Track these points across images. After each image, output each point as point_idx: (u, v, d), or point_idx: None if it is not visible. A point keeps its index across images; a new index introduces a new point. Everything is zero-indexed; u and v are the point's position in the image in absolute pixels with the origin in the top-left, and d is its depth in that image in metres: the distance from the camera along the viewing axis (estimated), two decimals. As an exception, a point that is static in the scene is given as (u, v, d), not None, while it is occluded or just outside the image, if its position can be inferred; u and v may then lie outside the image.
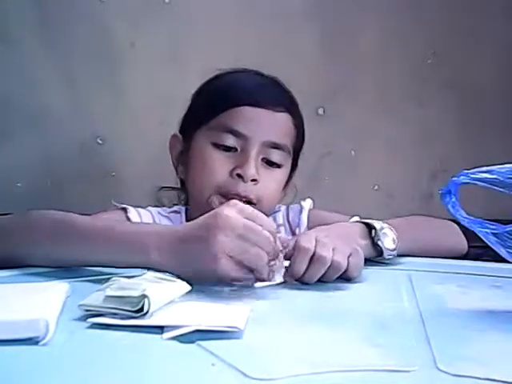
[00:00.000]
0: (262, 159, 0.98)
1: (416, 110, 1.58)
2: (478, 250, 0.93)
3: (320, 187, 1.55)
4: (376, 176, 1.59)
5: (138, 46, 1.50)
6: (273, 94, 1.01)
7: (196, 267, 0.67)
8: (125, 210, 1.00)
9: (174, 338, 0.53)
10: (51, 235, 0.76)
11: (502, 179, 0.65)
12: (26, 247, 0.77)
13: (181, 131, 1.06)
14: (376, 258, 0.86)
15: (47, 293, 0.61)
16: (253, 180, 0.96)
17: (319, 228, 0.83)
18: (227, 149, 0.97)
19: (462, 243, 0.99)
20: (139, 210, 1.02)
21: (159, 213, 1.05)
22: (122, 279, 0.61)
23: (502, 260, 0.69)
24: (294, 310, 0.66)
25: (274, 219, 1.08)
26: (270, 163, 0.99)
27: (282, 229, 1.07)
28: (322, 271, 0.73)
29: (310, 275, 0.74)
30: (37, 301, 0.58)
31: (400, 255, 0.88)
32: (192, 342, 0.53)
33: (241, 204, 0.69)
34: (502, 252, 0.65)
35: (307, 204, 1.08)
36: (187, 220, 1.03)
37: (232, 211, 0.67)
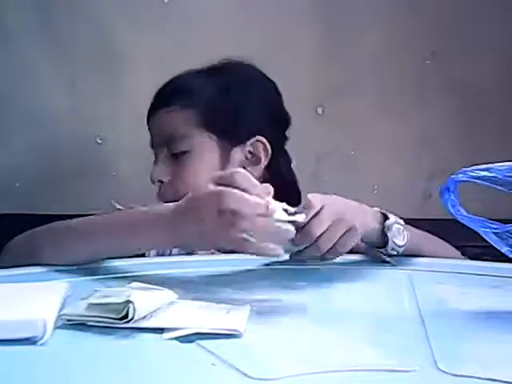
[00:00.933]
0: (172, 156, 1.03)
1: (416, 110, 1.58)
2: (478, 250, 0.93)
3: (319, 187, 1.55)
4: (376, 176, 1.59)
5: (138, 45, 1.50)
6: (162, 95, 1.08)
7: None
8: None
9: (173, 338, 0.53)
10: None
11: (500, 177, 0.65)
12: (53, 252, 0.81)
13: None
14: (378, 248, 0.86)
15: (46, 293, 0.61)
16: (161, 181, 1.03)
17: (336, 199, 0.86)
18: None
19: None
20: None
21: None
22: (106, 288, 0.61)
23: (502, 260, 0.69)
24: (294, 310, 0.65)
25: None
26: (178, 155, 1.03)
27: None
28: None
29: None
30: (35, 301, 0.58)
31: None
32: (192, 341, 0.53)
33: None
34: (505, 250, 0.65)
35: None
36: None
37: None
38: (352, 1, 1.54)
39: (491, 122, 1.58)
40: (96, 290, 0.59)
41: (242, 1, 1.53)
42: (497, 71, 1.57)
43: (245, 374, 0.46)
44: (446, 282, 0.77)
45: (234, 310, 0.60)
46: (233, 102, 1.08)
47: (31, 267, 0.77)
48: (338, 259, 0.87)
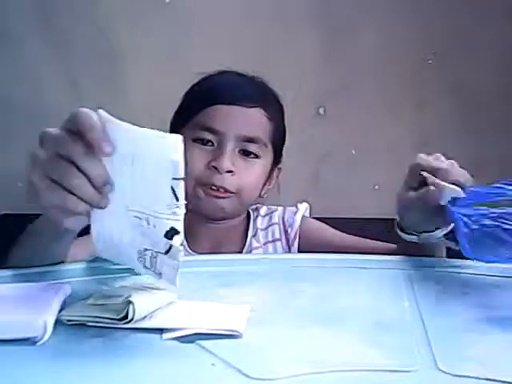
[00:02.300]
0: (239, 151, 1.03)
1: (416, 110, 1.59)
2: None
3: (320, 187, 1.55)
4: (376, 176, 1.59)
5: (139, 46, 1.50)
6: (245, 91, 1.06)
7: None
8: None
9: (173, 338, 0.53)
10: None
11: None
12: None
13: (170, 131, 1.09)
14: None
15: (46, 293, 0.61)
16: (229, 171, 1.00)
17: None
18: (204, 144, 1.02)
19: None
20: None
21: None
22: (106, 289, 0.60)
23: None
24: (294, 310, 0.65)
25: (271, 218, 1.12)
26: (247, 154, 1.03)
27: (276, 227, 1.11)
28: None
29: None
30: (35, 301, 0.58)
31: None
32: (192, 341, 0.53)
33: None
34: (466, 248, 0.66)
35: (303, 207, 1.14)
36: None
37: (56, 129, 0.59)
38: (353, 1, 1.54)
39: (491, 122, 1.58)
40: (96, 290, 0.59)
41: (242, 2, 1.53)
42: (497, 71, 1.57)
43: (245, 374, 0.46)
44: (446, 282, 0.77)
45: (233, 310, 0.60)
46: (283, 120, 1.11)
47: (31, 267, 0.77)
48: (339, 258, 0.87)
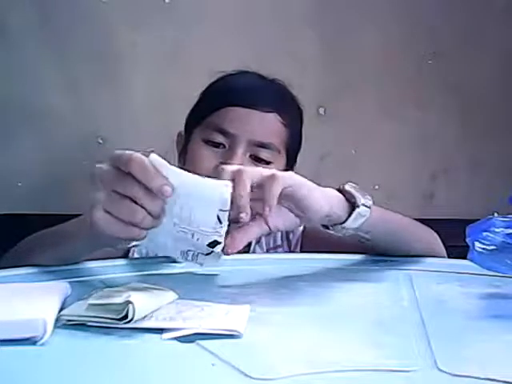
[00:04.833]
0: (250, 156, 1.00)
1: (416, 111, 1.58)
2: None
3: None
4: (376, 176, 1.59)
5: (139, 46, 1.50)
6: (261, 95, 1.04)
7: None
8: None
9: (174, 338, 0.53)
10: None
11: None
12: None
13: (185, 129, 1.09)
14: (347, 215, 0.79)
15: (46, 293, 0.61)
16: None
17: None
18: (215, 145, 1.00)
19: (440, 250, 0.97)
20: None
21: None
22: (106, 289, 0.61)
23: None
24: (294, 309, 0.65)
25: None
26: (257, 160, 1.01)
27: (278, 233, 1.09)
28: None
29: None
30: (35, 301, 0.58)
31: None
32: (192, 341, 0.53)
33: (119, 154, 0.64)
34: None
35: None
36: None
37: (105, 165, 0.64)
38: (352, 1, 1.54)
39: (491, 122, 1.58)
40: (96, 290, 0.60)
41: (243, 2, 1.52)
42: (497, 71, 1.57)
43: (245, 374, 0.46)
44: (446, 282, 0.77)
45: (233, 310, 0.60)
46: (300, 126, 1.09)
47: (31, 267, 0.77)
48: (339, 258, 0.87)
